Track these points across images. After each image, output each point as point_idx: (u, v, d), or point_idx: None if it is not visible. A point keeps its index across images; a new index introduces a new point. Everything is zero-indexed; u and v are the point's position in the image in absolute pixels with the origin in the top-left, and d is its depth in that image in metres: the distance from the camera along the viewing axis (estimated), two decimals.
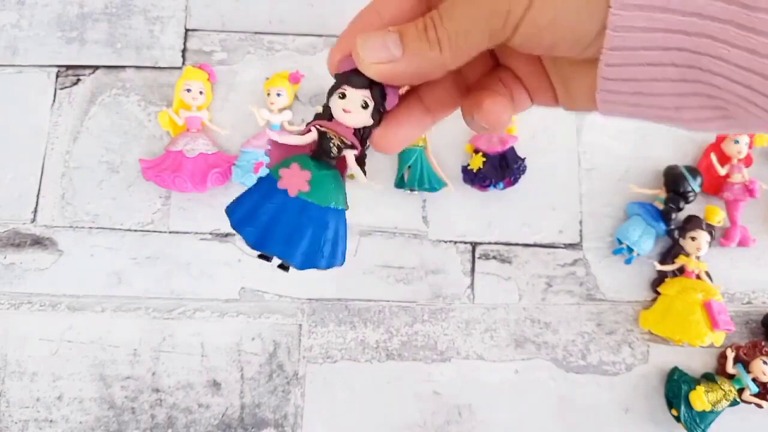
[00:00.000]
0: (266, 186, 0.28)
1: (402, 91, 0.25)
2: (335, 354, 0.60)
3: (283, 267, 0.29)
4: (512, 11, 0.19)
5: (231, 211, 0.29)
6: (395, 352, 0.60)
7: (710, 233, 0.61)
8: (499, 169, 0.61)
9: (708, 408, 0.56)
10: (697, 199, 0.63)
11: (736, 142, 0.63)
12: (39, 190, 0.62)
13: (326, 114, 0.27)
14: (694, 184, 0.62)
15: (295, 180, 0.28)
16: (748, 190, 0.63)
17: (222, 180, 0.61)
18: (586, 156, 0.66)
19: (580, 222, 0.65)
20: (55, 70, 0.65)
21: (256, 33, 0.67)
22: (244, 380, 0.59)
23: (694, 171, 0.63)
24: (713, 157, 0.64)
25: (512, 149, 0.62)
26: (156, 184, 0.60)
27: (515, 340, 0.61)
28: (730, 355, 0.58)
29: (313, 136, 0.28)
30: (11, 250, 0.61)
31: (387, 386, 0.59)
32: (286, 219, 0.28)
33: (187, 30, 0.67)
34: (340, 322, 0.61)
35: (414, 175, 0.61)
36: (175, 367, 0.59)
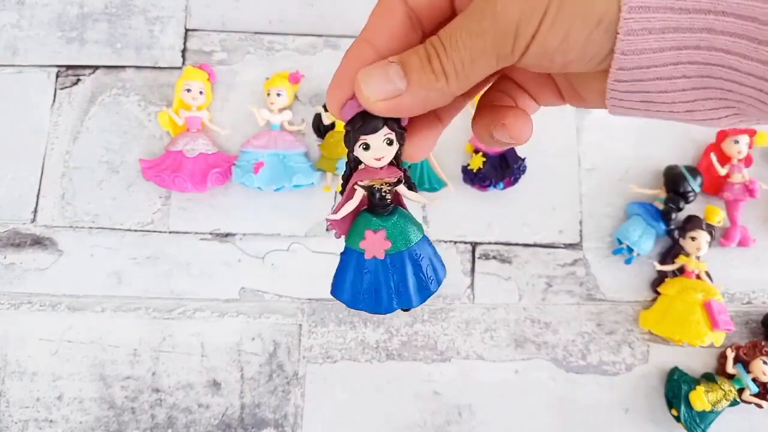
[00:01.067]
0: (355, 260, 0.30)
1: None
2: (335, 354, 0.60)
3: (404, 309, 0.31)
4: (520, 35, 0.18)
5: (337, 293, 0.32)
6: (395, 352, 0.60)
7: (710, 233, 0.61)
8: (499, 169, 0.61)
9: (708, 408, 0.56)
10: (697, 199, 0.63)
11: (736, 142, 0.63)
12: (39, 190, 0.62)
13: (353, 162, 0.26)
14: (694, 184, 0.62)
15: (377, 244, 0.30)
16: (748, 190, 0.63)
17: (222, 180, 0.61)
18: (586, 156, 0.66)
19: (580, 222, 0.65)
20: (55, 70, 0.65)
21: (256, 33, 0.67)
22: (244, 380, 0.59)
23: (694, 171, 0.63)
24: (713, 157, 0.64)
25: (512, 149, 0.62)
26: (156, 184, 0.60)
27: (515, 340, 0.61)
28: (730, 355, 0.58)
29: (360, 195, 0.29)
30: (11, 250, 0.61)
31: (387, 386, 0.59)
32: (389, 278, 0.30)
33: (187, 30, 0.67)
34: (340, 322, 0.61)
35: (414, 175, 0.61)
36: (175, 367, 0.59)
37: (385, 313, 0.31)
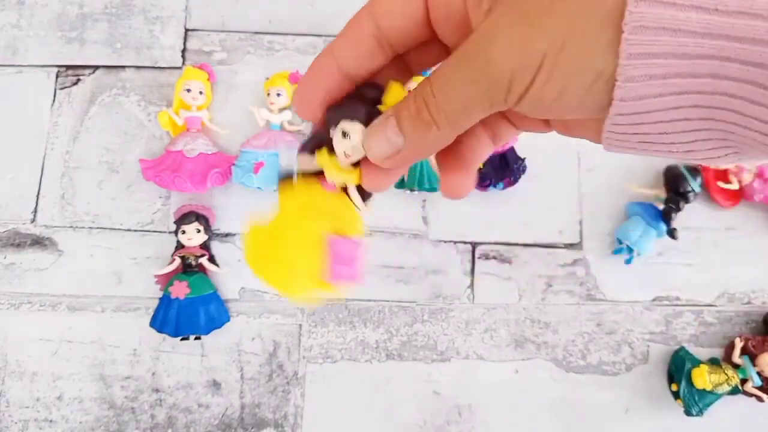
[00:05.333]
0: (166, 300, 0.58)
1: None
2: (335, 354, 0.60)
3: (197, 337, 0.58)
4: (514, 86, 0.18)
5: (153, 321, 0.58)
6: (395, 352, 0.60)
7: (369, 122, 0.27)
8: (499, 169, 0.61)
9: (708, 387, 0.56)
10: (697, 198, 0.63)
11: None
12: (39, 190, 0.62)
13: (179, 245, 0.59)
14: (694, 184, 0.62)
15: (180, 289, 0.57)
16: (766, 179, 0.63)
17: (222, 180, 0.61)
18: (586, 156, 0.66)
19: (580, 222, 0.65)
20: (55, 70, 0.65)
21: (256, 33, 0.67)
22: (244, 380, 0.59)
23: (694, 171, 0.63)
24: (721, 184, 0.63)
25: (512, 149, 0.62)
26: (156, 184, 0.60)
27: (515, 340, 0.61)
28: (738, 344, 0.58)
29: (178, 262, 0.58)
30: (11, 250, 0.61)
31: (387, 386, 0.59)
32: (185, 313, 0.57)
33: (187, 30, 0.67)
34: (340, 322, 0.61)
35: (414, 175, 0.61)
36: (175, 367, 0.59)
37: (179, 336, 0.57)
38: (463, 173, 0.24)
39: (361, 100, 0.23)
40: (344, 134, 0.23)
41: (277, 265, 0.27)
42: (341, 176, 0.25)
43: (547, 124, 0.24)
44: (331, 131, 0.24)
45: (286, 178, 0.26)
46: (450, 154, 0.24)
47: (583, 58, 0.17)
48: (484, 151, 0.24)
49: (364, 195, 0.26)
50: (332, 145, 0.24)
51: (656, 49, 0.16)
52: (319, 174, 0.25)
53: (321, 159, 0.25)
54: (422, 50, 0.23)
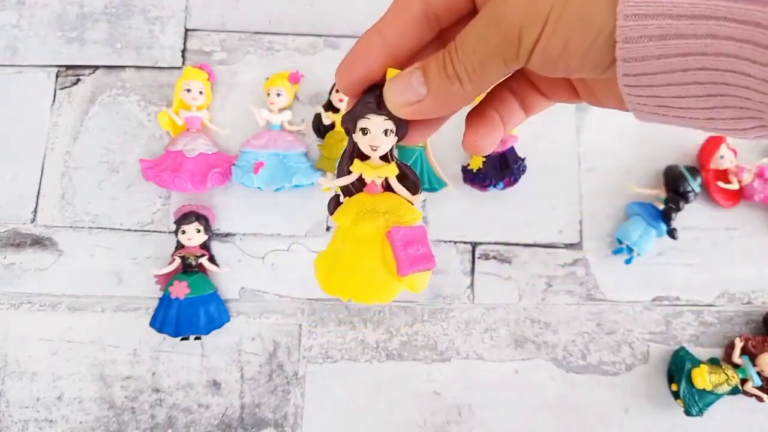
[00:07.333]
0: (166, 300, 0.57)
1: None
2: (335, 354, 0.60)
3: (197, 337, 0.58)
4: (523, 40, 0.19)
5: (153, 321, 0.57)
6: (395, 352, 0.60)
7: (389, 117, 0.26)
8: (499, 169, 0.61)
9: (708, 387, 0.56)
10: (697, 198, 0.63)
11: (722, 156, 0.63)
12: (39, 190, 0.62)
13: (179, 245, 0.59)
14: (694, 184, 0.62)
15: (180, 289, 0.57)
16: (766, 179, 0.63)
17: (222, 180, 0.61)
18: (586, 156, 0.66)
19: (580, 222, 0.65)
20: (55, 70, 0.65)
21: (256, 33, 0.67)
22: (244, 380, 0.59)
23: (694, 171, 0.63)
24: (721, 184, 0.64)
25: (512, 149, 0.62)
26: (156, 184, 0.60)
27: (515, 340, 0.61)
28: (738, 344, 0.58)
29: (177, 263, 0.58)
30: (11, 250, 0.61)
31: (387, 386, 0.59)
32: (185, 313, 0.57)
33: (187, 30, 0.67)
34: (340, 322, 0.61)
35: None
36: (175, 367, 0.59)
37: (179, 336, 0.57)
38: (488, 129, 0.25)
39: (365, 98, 0.24)
40: (364, 131, 0.25)
41: (345, 277, 0.30)
42: (379, 172, 0.26)
43: (575, 94, 0.24)
44: (354, 139, 0.26)
45: (334, 202, 0.28)
46: (480, 114, 0.25)
47: (585, 15, 0.18)
48: (514, 117, 0.25)
49: (410, 187, 0.28)
50: (360, 155, 0.26)
51: (651, 10, 0.17)
52: (362, 185, 0.27)
53: (356, 167, 0.26)
54: (461, 27, 0.24)
